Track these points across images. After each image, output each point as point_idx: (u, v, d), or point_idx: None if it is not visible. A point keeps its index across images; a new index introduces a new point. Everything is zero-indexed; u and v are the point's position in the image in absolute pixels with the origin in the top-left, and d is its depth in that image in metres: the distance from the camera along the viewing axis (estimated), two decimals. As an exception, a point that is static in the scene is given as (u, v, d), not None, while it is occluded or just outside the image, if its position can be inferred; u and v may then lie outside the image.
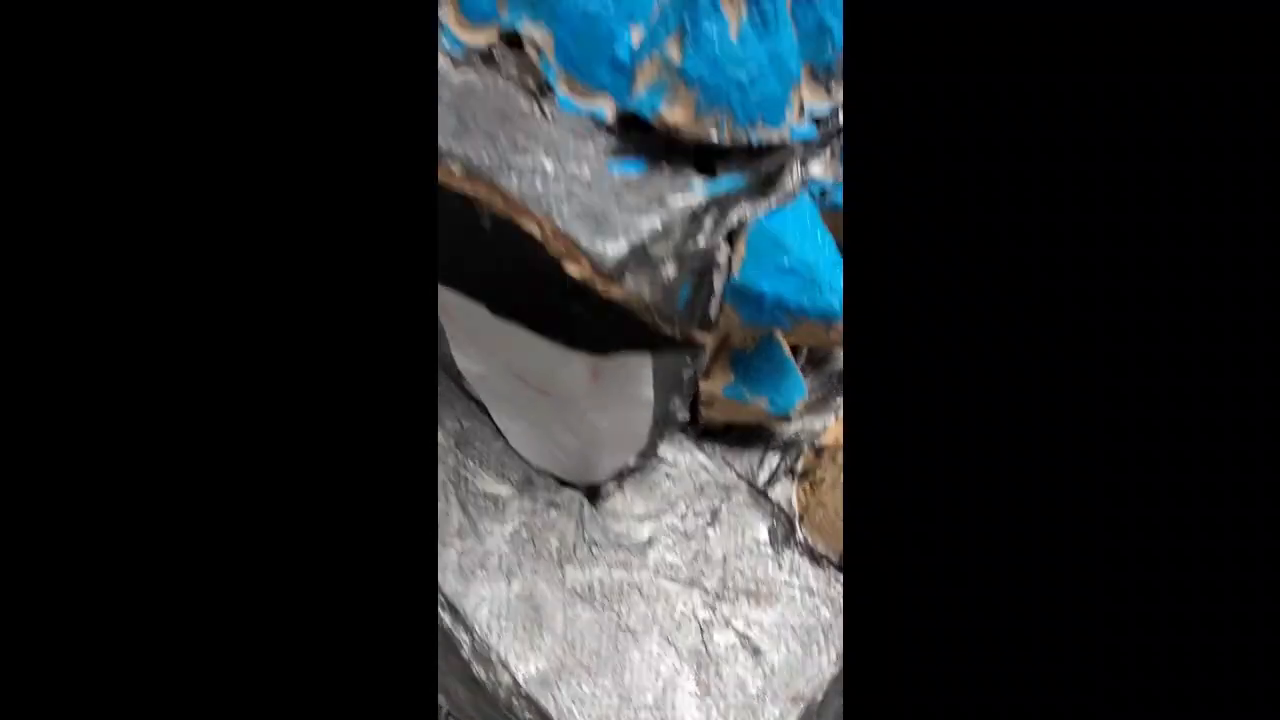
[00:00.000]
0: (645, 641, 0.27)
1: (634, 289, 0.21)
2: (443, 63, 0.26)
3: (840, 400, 0.35)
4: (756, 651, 0.27)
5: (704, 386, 0.30)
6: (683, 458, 0.32)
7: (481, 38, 0.26)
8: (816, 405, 0.34)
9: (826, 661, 0.27)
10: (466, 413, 0.33)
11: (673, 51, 0.21)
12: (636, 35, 0.24)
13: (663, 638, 0.27)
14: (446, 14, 0.26)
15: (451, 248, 0.24)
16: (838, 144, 0.26)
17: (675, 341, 0.22)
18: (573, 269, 0.20)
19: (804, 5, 0.24)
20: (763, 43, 0.21)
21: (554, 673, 0.26)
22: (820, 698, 0.27)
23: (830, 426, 0.34)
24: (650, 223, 0.21)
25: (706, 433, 0.33)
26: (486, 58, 0.25)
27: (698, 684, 0.27)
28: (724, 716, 0.26)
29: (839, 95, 0.25)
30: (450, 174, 0.23)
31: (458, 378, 0.33)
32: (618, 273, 0.20)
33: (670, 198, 0.22)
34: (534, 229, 0.20)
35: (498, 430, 0.32)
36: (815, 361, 0.36)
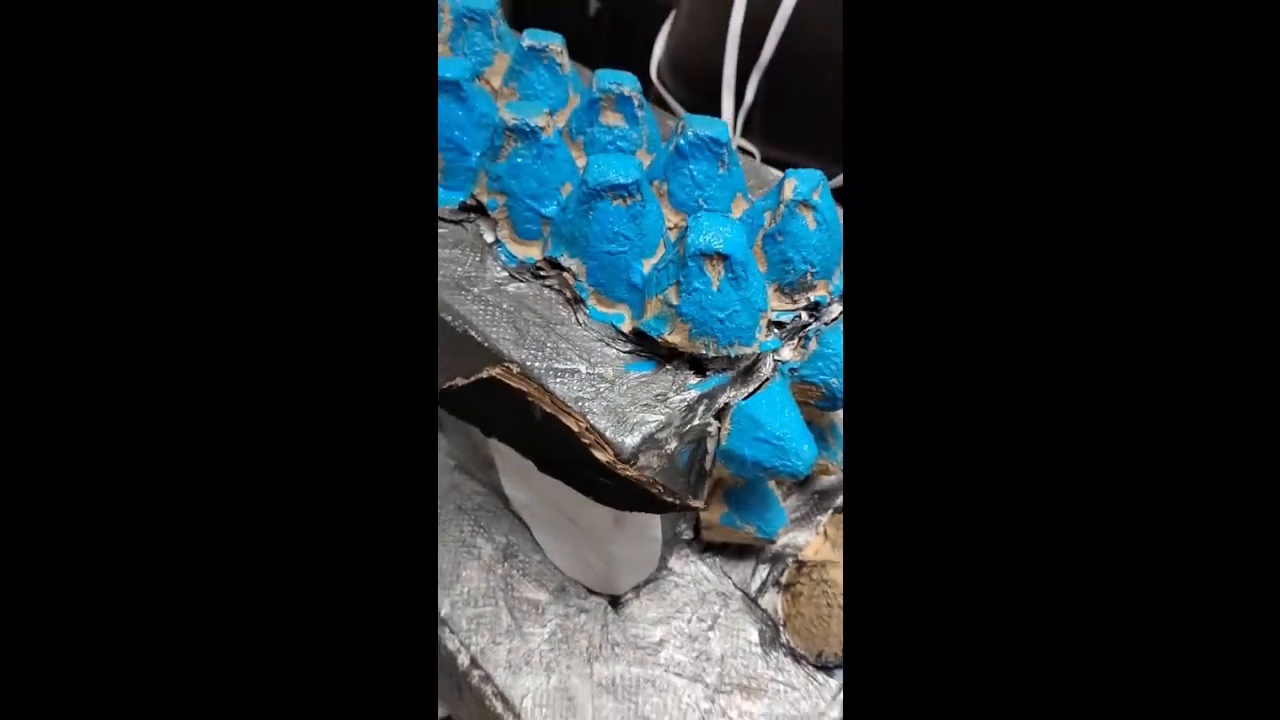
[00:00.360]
0: (657, 728, 0.34)
1: (646, 465, 0.29)
2: (500, 274, 0.34)
3: (821, 518, 0.41)
4: (747, 738, 0.34)
5: (704, 515, 0.37)
6: (689, 569, 0.39)
7: (531, 252, 0.35)
8: (800, 521, 0.41)
9: (804, 747, 0.34)
10: (512, 529, 0.41)
11: (672, 296, 0.29)
12: (647, 265, 0.32)
13: (671, 725, 0.34)
14: (503, 233, 0.35)
15: (505, 419, 0.32)
16: (802, 334, 0.34)
17: (677, 506, 0.29)
18: (600, 455, 0.28)
19: (772, 243, 0.32)
20: (736, 292, 0.29)
21: (584, 753, 0.33)
22: (799, 778, 0.33)
23: (811, 541, 0.40)
24: (657, 418, 0.29)
25: (708, 547, 0.40)
26: (535, 273, 0.34)
27: (699, 765, 0.33)
28: (720, 793, 0.32)
29: (801, 301, 0.33)
30: (510, 373, 0.31)
31: (505, 501, 0.41)
32: (633, 457, 0.28)
33: (672, 398, 0.29)
34: (573, 425, 0.28)
35: (537, 545, 0.40)
36: (800, 482, 0.43)
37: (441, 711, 0.52)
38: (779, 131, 0.66)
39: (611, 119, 0.37)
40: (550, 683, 0.35)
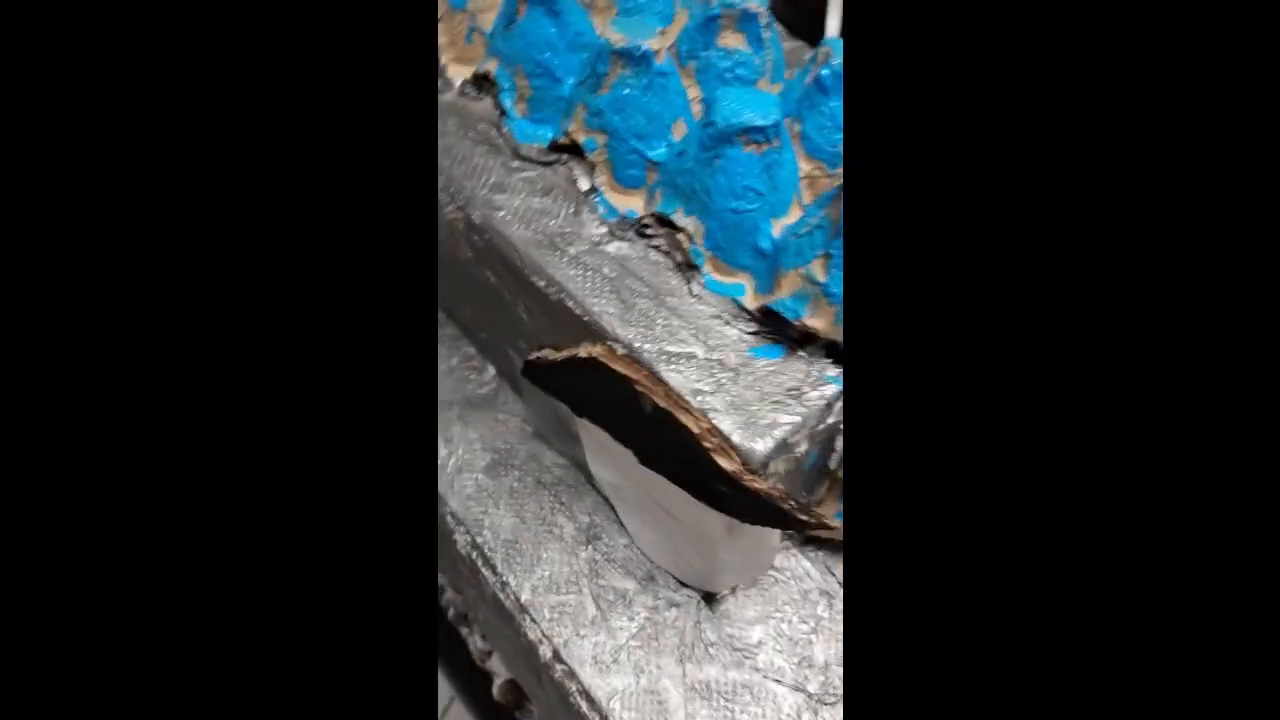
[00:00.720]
0: (756, 741, 0.31)
1: (773, 473, 0.24)
2: (598, 230, 0.29)
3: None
4: (856, 759, 0.30)
5: (816, 510, 0.33)
6: (790, 564, 0.35)
7: (632, 203, 0.29)
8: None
9: (920, 773, 0.30)
10: (595, 508, 0.37)
11: (818, 271, 0.24)
12: (777, 227, 0.26)
13: (771, 738, 0.31)
14: (602, 180, 0.30)
15: (604, 404, 0.27)
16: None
17: (810, 525, 0.25)
18: (724, 463, 0.23)
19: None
20: (903, 269, 0.23)
21: (676, 762, 0.30)
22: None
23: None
24: (791, 419, 0.24)
25: (810, 540, 0.36)
26: (641, 231, 0.29)
27: (802, 783, 0.30)
28: (825, 817, 0.29)
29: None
30: (613, 354, 0.26)
31: (588, 476, 0.37)
32: (763, 466, 0.24)
33: (808, 393, 0.25)
34: (692, 425, 0.24)
35: (622, 527, 0.36)
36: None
37: (503, 671, 0.51)
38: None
39: (731, 40, 0.31)
40: (640, 684, 0.32)
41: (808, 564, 0.36)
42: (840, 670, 0.33)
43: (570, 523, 0.37)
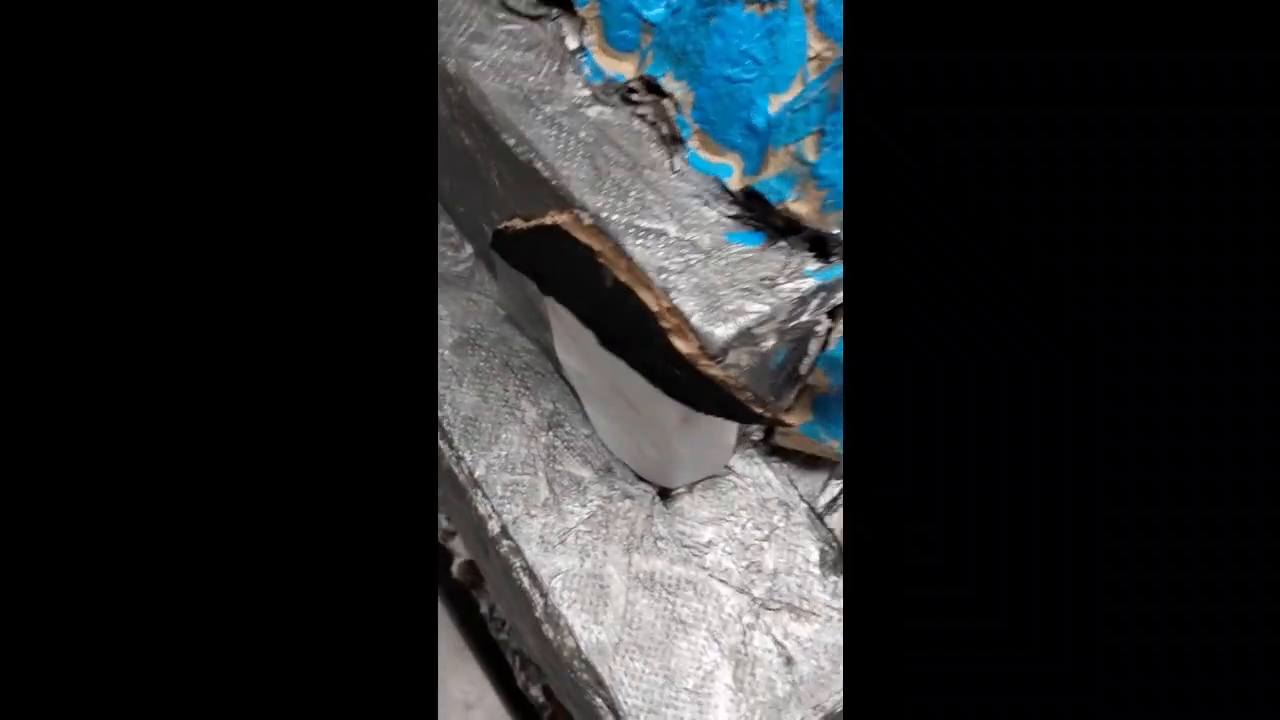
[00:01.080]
0: (693, 634, 0.31)
1: (734, 364, 0.23)
2: (581, 91, 0.27)
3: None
4: (790, 660, 0.31)
5: (785, 417, 0.32)
6: (752, 471, 0.35)
7: (624, 68, 0.27)
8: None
9: (850, 680, 0.31)
10: (560, 396, 0.36)
11: (808, 150, 0.22)
12: (775, 103, 0.24)
13: (709, 633, 0.31)
14: (591, 40, 0.27)
15: (568, 278, 0.26)
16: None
17: (765, 419, 0.24)
18: (681, 345, 0.22)
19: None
20: (898, 155, 0.21)
21: (611, 646, 0.31)
22: (839, 710, 0.30)
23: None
24: (759, 307, 0.23)
25: (776, 451, 0.35)
26: (626, 95, 0.26)
27: (733, 679, 0.30)
28: (751, 712, 0.30)
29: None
30: (577, 223, 0.24)
31: (557, 365, 0.36)
32: (721, 353, 0.22)
33: (782, 284, 0.23)
34: (651, 302, 0.22)
35: (586, 418, 0.36)
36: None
37: (463, 552, 0.52)
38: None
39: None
40: (584, 566, 0.32)
41: (770, 474, 0.35)
42: (790, 580, 0.33)
43: (533, 408, 0.36)
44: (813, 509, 0.34)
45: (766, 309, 0.23)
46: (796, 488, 0.35)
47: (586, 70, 0.27)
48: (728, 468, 0.35)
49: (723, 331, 0.22)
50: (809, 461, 0.36)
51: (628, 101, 0.26)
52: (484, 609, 0.52)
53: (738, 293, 0.23)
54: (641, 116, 0.26)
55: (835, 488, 0.35)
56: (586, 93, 0.27)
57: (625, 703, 0.30)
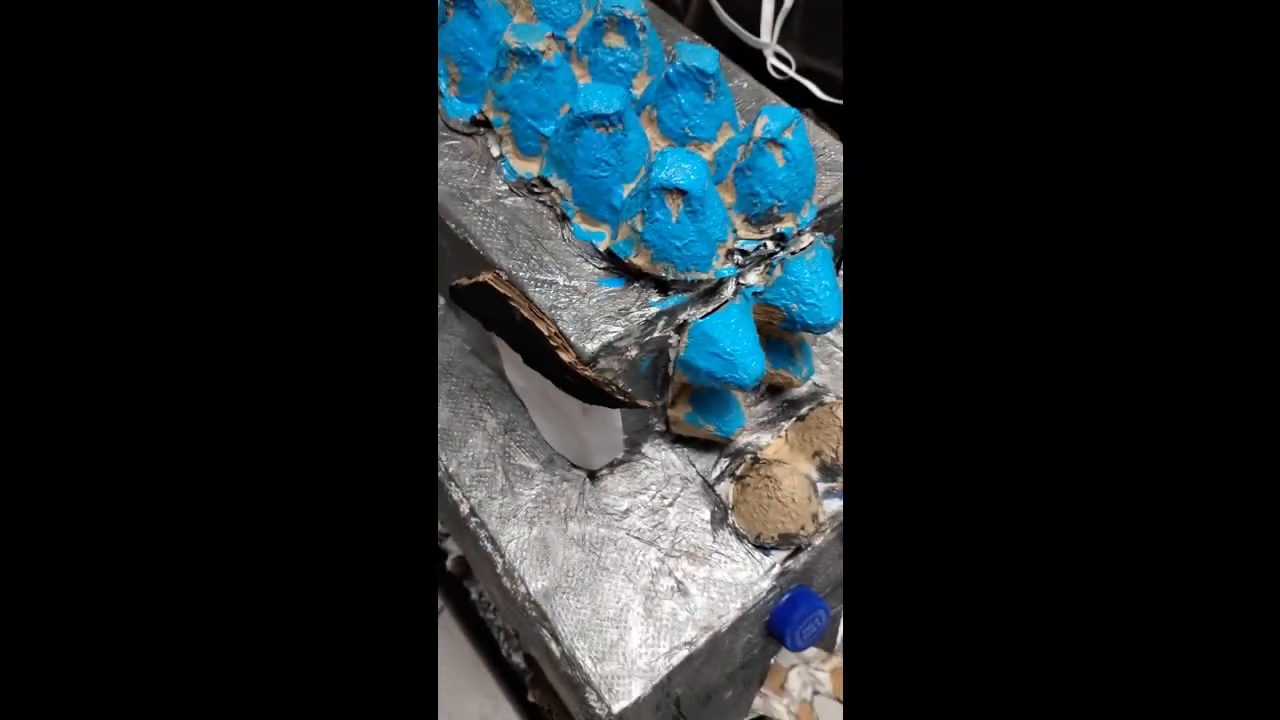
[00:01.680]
0: (613, 578, 0.41)
1: (606, 368, 0.34)
2: (501, 187, 0.38)
3: (785, 424, 0.46)
4: (686, 593, 0.41)
5: (671, 413, 0.42)
6: (659, 455, 0.45)
7: (532, 167, 0.38)
8: (767, 424, 0.46)
9: (734, 607, 0.40)
10: (514, 408, 0.47)
11: (638, 223, 0.33)
12: (627, 190, 0.35)
13: (625, 577, 0.41)
14: (507, 149, 0.39)
15: (498, 318, 0.37)
16: (767, 262, 0.37)
17: (627, 404, 0.35)
18: (565, 357, 0.33)
19: (741, 177, 0.35)
20: (694, 224, 0.32)
21: (553, 590, 0.41)
22: (724, 629, 0.40)
23: (772, 443, 0.45)
24: (617, 329, 0.33)
25: (680, 438, 0.46)
26: (530, 189, 0.38)
27: (644, 609, 0.40)
28: (658, 633, 0.39)
29: (767, 231, 0.36)
30: (499, 279, 0.35)
31: (509, 384, 0.47)
32: (592, 361, 0.33)
33: (634, 312, 0.34)
34: (544, 329, 0.33)
35: (532, 423, 0.46)
36: (773, 390, 0.48)
37: (455, 549, 0.62)
38: (817, 39, 0.65)
39: (614, 41, 0.39)
40: (531, 533, 0.42)
41: (674, 456, 0.45)
42: (688, 534, 0.43)
43: (493, 418, 0.47)
44: (705, 480, 0.44)
45: (622, 329, 0.33)
46: (695, 465, 0.45)
47: (504, 171, 0.39)
48: (641, 453, 0.45)
49: (591, 346, 0.33)
50: (705, 445, 0.46)
51: (532, 192, 0.38)
52: (474, 595, 0.62)
53: (603, 319, 0.34)
54: (542, 202, 0.38)
55: (724, 464, 0.45)
56: (505, 188, 0.38)
57: (563, 630, 0.39)
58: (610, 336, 0.33)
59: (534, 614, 0.41)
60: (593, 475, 0.44)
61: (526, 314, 0.34)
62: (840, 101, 0.63)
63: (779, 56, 0.66)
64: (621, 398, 0.34)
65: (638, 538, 0.42)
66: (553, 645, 0.40)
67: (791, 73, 0.66)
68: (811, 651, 0.63)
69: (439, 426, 0.46)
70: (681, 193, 0.31)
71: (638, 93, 0.40)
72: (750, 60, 0.65)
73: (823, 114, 0.63)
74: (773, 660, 0.48)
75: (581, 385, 0.34)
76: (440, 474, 0.45)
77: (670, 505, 0.43)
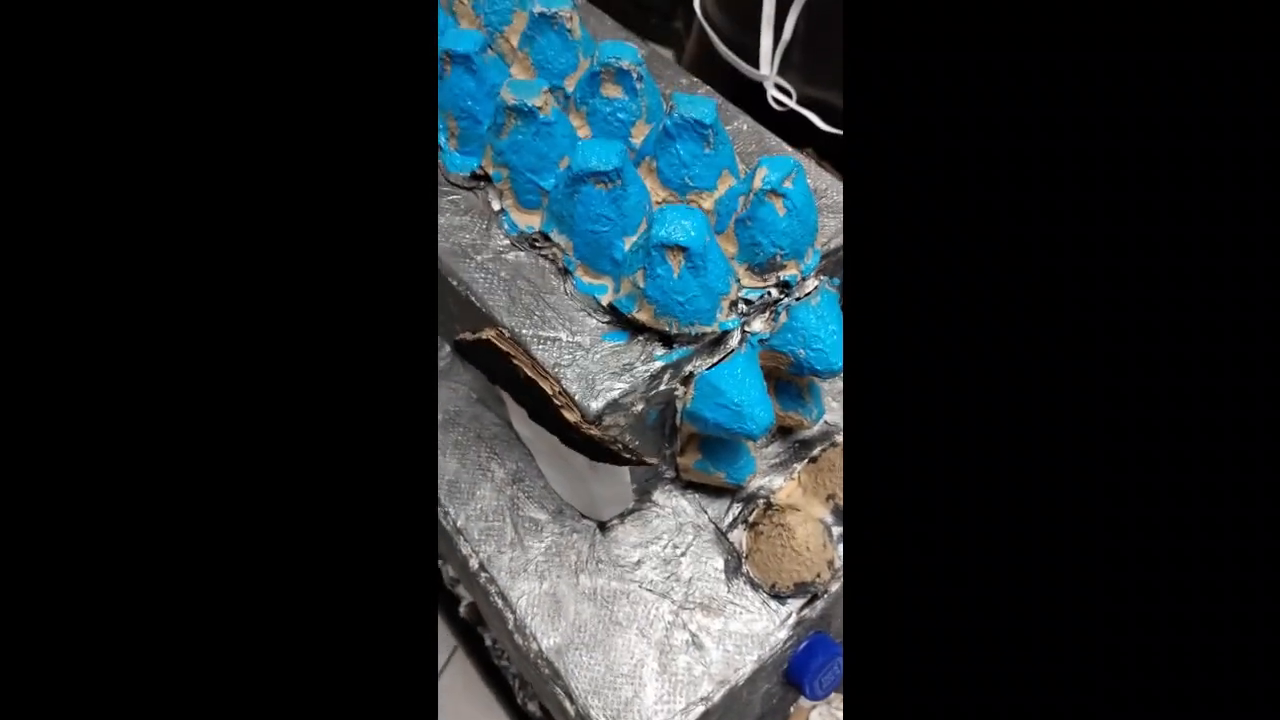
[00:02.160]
0: (627, 632, 0.40)
1: (612, 424, 0.33)
2: (503, 242, 0.38)
3: (797, 465, 0.45)
4: (701, 647, 0.40)
5: (680, 460, 0.42)
6: (670, 502, 0.44)
7: (533, 220, 0.38)
8: (778, 466, 0.45)
9: (750, 659, 0.39)
10: (522, 457, 0.47)
11: (639, 279, 0.32)
12: (628, 243, 0.35)
13: (638, 631, 0.40)
14: (508, 203, 0.39)
15: (501, 373, 0.37)
16: (772, 309, 0.37)
17: (634, 462, 0.34)
18: (569, 416, 0.33)
19: (743, 228, 0.35)
20: (695, 279, 0.32)
21: (565, 646, 0.40)
22: (741, 683, 0.39)
23: (785, 485, 0.45)
24: (621, 385, 0.33)
25: (691, 485, 0.45)
26: (532, 244, 0.38)
27: (659, 664, 0.39)
28: (673, 689, 0.39)
29: (771, 279, 0.36)
30: (501, 336, 0.35)
31: (516, 434, 0.47)
32: (597, 419, 0.33)
33: (638, 367, 0.33)
34: (547, 388, 0.33)
35: (541, 473, 0.46)
36: (784, 431, 0.47)
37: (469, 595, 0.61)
38: (818, 70, 0.65)
39: (611, 91, 0.39)
40: (542, 587, 0.42)
41: (685, 503, 0.45)
42: (701, 585, 0.42)
43: (501, 468, 0.46)
44: (718, 527, 0.43)
45: (627, 386, 0.33)
46: (707, 512, 0.44)
47: (506, 225, 0.38)
48: (651, 500, 0.44)
49: (596, 405, 0.32)
50: (717, 491, 0.45)
51: (534, 247, 0.37)
52: (488, 641, 0.62)
53: (608, 376, 0.33)
54: (544, 256, 0.37)
55: (736, 510, 0.44)
56: (506, 243, 0.38)
57: (576, 688, 0.39)
58: (615, 394, 0.33)
59: (547, 671, 0.40)
60: (603, 526, 0.44)
61: (530, 373, 0.33)
62: (840, 132, 0.63)
63: (779, 88, 0.66)
64: (628, 455, 0.34)
65: (650, 590, 0.42)
66: (566, 704, 0.39)
67: (792, 104, 0.66)
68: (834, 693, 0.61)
69: (447, 479, 0.46)
70: (682, 249, 0.31)
71: (637, 141, 0.40)
72: (750, 92, 0.65)
73: (824, 151, 0.63)
74: (793, 708, 0.47)
75: (587, 443, 0.33)
76: (449, 527, 0.45)
77: (683, 555, 0.43)
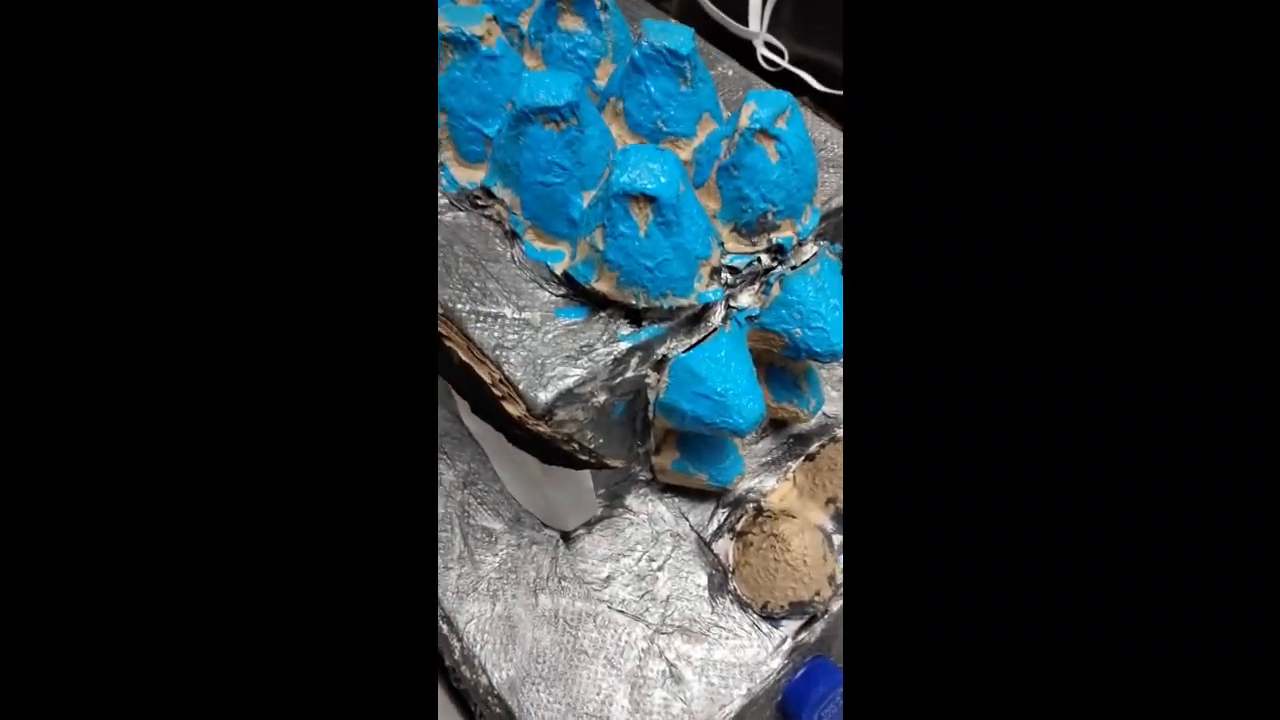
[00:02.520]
0: (593, 663, 0.34)
1: (568, 419, 0.27)
2: (441, 200, 0.32)
3: (792, 464, 0.40)
4: (680, 679, 0.34)
5: (656, 460, 0.36)
6: (646, 508, 0.38)
7: (476, 175, 0.32)
8: (770, 465, 0.40)
9: (738, 693, 0.34)
10: (474, 457, 0.40)
11: (598, 240, 0.26)
12: (588, 198, 0.29)
13: (606, 661, 0.34)
14: (447, 155, 0.32)
15: (439, 359, 0.31)
16: (762, 280, 0.31)
17: (592, 465, 0.28)
18: (510, 409, 0.26)
19: (726, 178, 0.29)
20: (667, 238, 0.26)
21: (520, 680, 0.34)
22: (729, 722, 0.33)
23: (778, 488, 0.39)
24: (578, 372, 0.27)
25: (669, 487, 0.39)
26: (473, 202, 0.31)
27: (630, 701, 0.33)
28: (646, 729, 0.33)
29: (761, 243, 0.30)
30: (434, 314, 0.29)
31: (469, 430, 0.40)
32: (547, 413, 0.27)
33: (599, 350, 0.27)
34: (485, 375, 0.27)
35: (495, 474, 0.40)
36: (776, 425, 0.41)
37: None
38: (812, 27, 0.58)
39: (571, 23, 0.33)
40: (494, 610, 0.36)
41: (663, 508, 0.39)
42: (681, 604, 0.36)
43: (450, 470, 0.40)
44: (701, 537, 0.38)
45: (584, 372, 0.27)
46: (688, 519, 0.38)
47: (444, 181, 0.32)
48: (624, 506, 0.38)
49: (544, 396, 0.26)
50: (698, 495, 0.39)
51: (475, 206, 0.31)
52: (448, 662, 0.56)
53: (561, 360, 0.27)
54: (488, 217, 0.31)
55: (721, 516, 0.38)
56: (444, 201, 0.32)
57: (532, 731, 0.33)
58: (569, 382, 0.27)
59: (498, 710, 0.34)
60: (567, 536, 0.38)
61: (465, 356, 0.27)
62: (840, 93, 0.57)
63: (770, 46, 0.60)
64: (586, 458, 0.28)
65: (622, 611, 0.36)
66: (521, 749, 0.33)
67: (784, 64, 0.59)
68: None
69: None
70: (649, 200, 0.25)
71: (602, 83, 0.34)
72: (738, 52, 0.59)
73: (822, 105, 0.57)
74: (788, 740, 0.41)
75: (536, 442, 0.27)
76: (389, 539, 0.38)
77: (660, 569, 0.37)
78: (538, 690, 0.34)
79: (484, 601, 0.36)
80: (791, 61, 0.59)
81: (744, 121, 0.27)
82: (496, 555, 0.37)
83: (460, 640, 0.35)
